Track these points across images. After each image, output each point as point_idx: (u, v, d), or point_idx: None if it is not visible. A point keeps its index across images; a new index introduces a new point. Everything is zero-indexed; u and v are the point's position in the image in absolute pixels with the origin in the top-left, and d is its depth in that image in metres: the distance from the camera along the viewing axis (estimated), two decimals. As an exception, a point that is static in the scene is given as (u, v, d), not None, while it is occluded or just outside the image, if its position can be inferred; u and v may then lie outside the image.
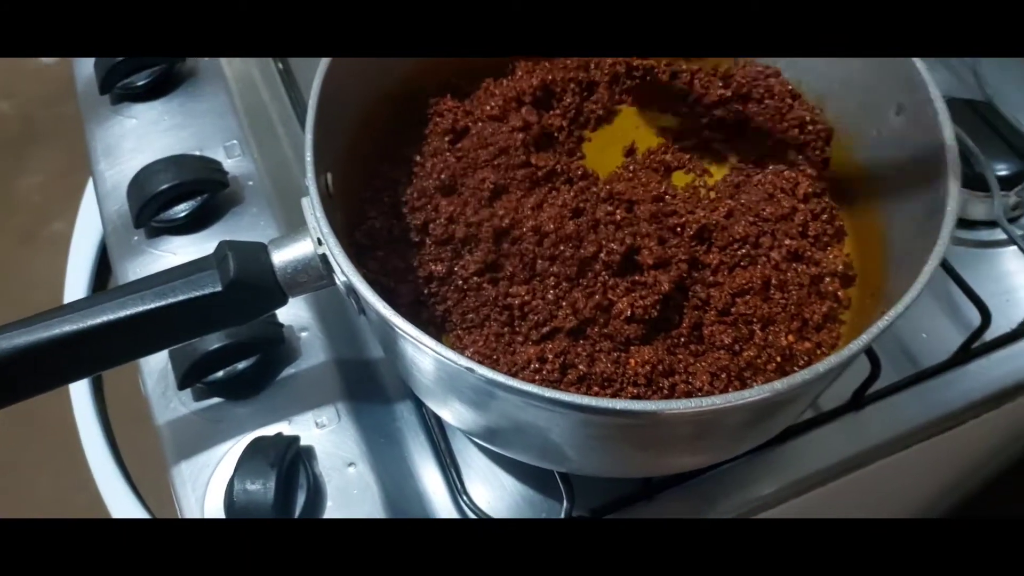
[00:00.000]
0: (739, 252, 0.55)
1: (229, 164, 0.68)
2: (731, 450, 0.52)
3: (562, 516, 0.52)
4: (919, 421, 0.60)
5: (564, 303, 0.51)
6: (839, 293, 0.54)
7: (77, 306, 0.46)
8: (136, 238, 0.64)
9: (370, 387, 0.59)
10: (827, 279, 0.54)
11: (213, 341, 0.54)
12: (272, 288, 0.48)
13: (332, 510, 0.52)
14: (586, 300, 0.51)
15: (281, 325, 0.58)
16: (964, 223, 0.68)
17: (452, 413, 0.49)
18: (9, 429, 1.35)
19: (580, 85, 0.65)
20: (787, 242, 0.55)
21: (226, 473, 0.52)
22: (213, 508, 0.52)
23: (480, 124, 0.60)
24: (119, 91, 0.72)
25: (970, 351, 0.61)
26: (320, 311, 0.61)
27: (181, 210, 0.64)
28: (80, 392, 0.79)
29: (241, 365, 0.56)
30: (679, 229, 0.55)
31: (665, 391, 0.49)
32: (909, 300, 0.42)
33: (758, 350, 0.50)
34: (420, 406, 0.58)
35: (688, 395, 0.49)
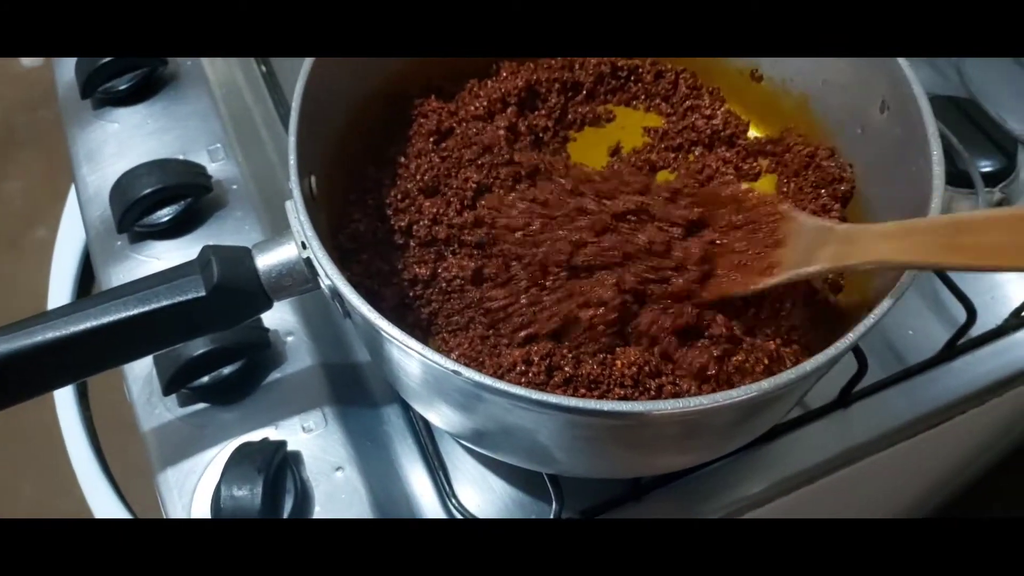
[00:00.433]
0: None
1: (213, 168, 0.67)
2: (719, 449, 0.52)
3: (551, 517, 0.52)
4: (906, 418, 0.60)
5: (536, 309, 0.51)
6: (828, 299, 0.54)
7: (59, 312, 0.46)
8: (119, 243, 0.64)
9: (357, 391, 0.58)
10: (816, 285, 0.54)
11: (198, 346, 0.54)
12: (256, 292, 0.47)
13: (320, 515, 0.52)
14: (555, 307, 0.51)
15: (267, 329, 0.58)
16: (948, 220, 0.69)
17: (439, 416, 0.49)
18: (-7, 436, 1.34)
19: (565, 85, 0.65)
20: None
21: (213, 479, 0.51)
22: (200, 514, 0.52)
23: (464, 124, 0.60)
24: (101, 95, 0.71)
25: (956, 348, 0.61)
26: (306, 315, 0.60)
27: (164, 215, 0.63)
28: (65, 398, 0.78)
29: (227, 370, 0.56)
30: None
31: (652, 392, 0.49)
32: (895, 299, 0.42)
33: (746, 354, 0.50)
34: (407, 409, 0.58)
35: (675, 396, 0.48)
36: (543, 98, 0.64)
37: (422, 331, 0.54)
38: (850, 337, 0.41)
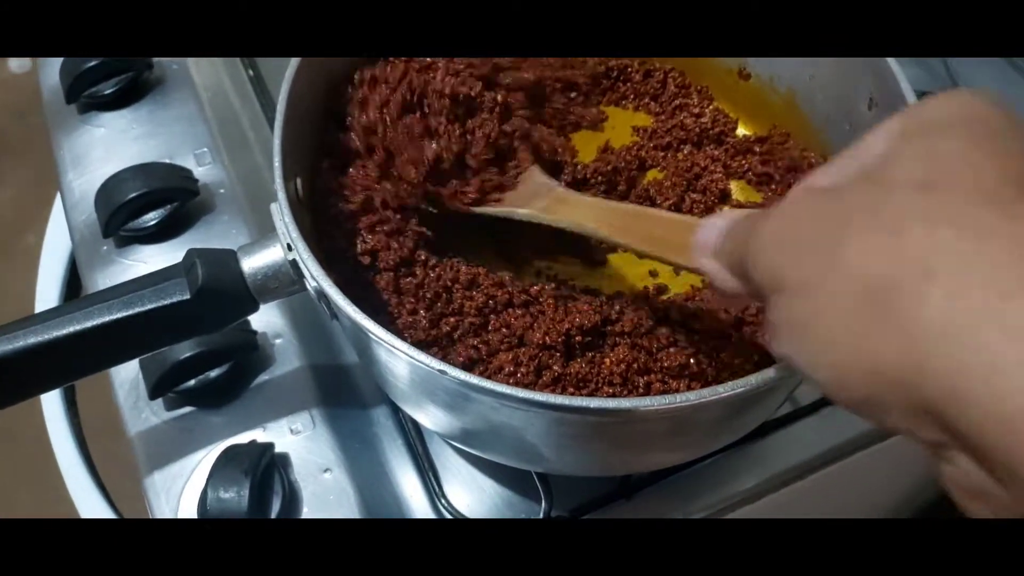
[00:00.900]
0: None
1: (199, 172, 0.67)
2: (708, 446, 0.52)
3: (540, 517, 0.52)
4: (896, 413, 0.60)
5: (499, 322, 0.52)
6: None
7: (43, 317, 0.45)
8: (105, 248, 0.64)
9: (345, 392, 0.58)
10: None
11: (184, 349, 0.53)
12: (242, 295, 0.47)
13: (308, 517, 0.52)
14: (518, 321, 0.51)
15: (254, 332, 0.58)
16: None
17: (428, 417, 0.49)
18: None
19: (567, 85, 0.65)
20: None
21: (200, 482, 0.51)
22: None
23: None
24: (86, 100, 0.71)
25: (945, 342, 0.61)
26: (293, 317, 0.60)
27: (151, 219, 0.63)
28: (52, 402, 0.78)
29: (214, 373, 0.55)
30: None
31: (641, 390, 0.49)
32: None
33: (735, 350, 0.50)
34: (396, 410, 0.57)
35: (664, 393, 0.48)
36: (548, 98, 0.64)
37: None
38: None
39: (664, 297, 0.56)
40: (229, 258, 0.47)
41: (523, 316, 0.52)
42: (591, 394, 0.49)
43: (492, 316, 0.52)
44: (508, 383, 0.48)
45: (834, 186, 0.29)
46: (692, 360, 0.49)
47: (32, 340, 0.44)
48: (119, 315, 0.45)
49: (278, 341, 0.59)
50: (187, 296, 0.46)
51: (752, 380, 0.39)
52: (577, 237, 0.55)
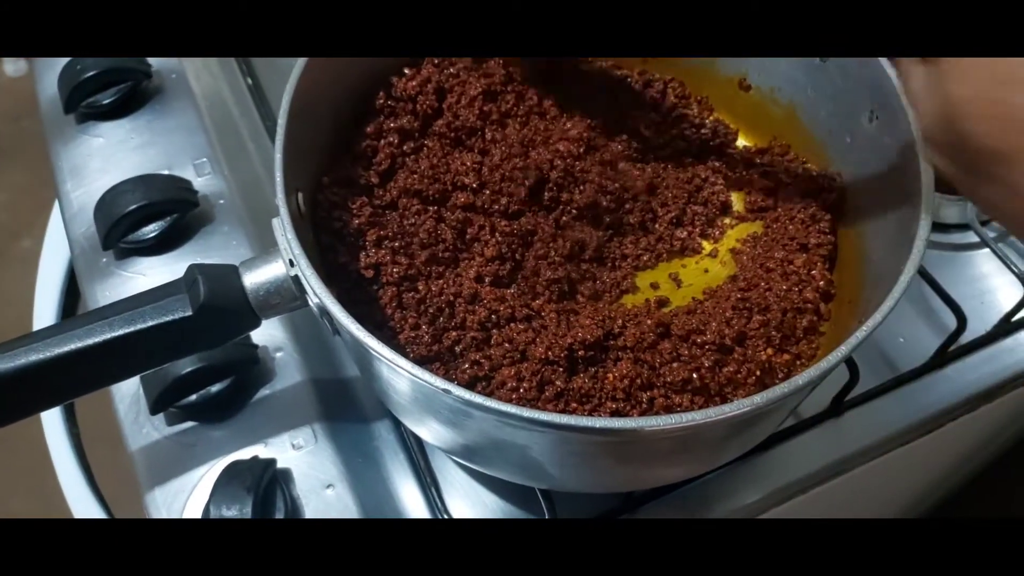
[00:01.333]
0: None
1: (199, 183, 0.67)
2: (713, 462, 0.51)
3: (544, 533, 0.51)
4: (898, 426, 0.60)
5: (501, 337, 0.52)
6: (820, 307, 0.54)
7: (43, 335, 0.45)
8: (104, 260, 0.63)
9: (347, 407, 0.58)
10: (809, 296, 0.54)
11: (185, 364, 0.53)
12: (244, 311, 0.47)
13: (311, 533, 0.51)
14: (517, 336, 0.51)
15: (255, 346, 0.57)
16: (937, 226, 0.69)
17: (430, 432, 0.48)
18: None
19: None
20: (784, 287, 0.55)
21: (202, 499, 0.51)
22: (189, 535, 0.51)
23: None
24: (84, 109, 0.70)
25: (947, 354, 0.61)
26: (295, 330, 0.60)
27: (150, 231, 0.62)
28: (51, 412, 0.78)
29: (215, 388, 0.55)
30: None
31: (644, 405, 0.49)
32: (887, 310, 0.42)
33: (737, 365, 0.50)
34: (398, 425, 0.57)
35: (667, 409, 0.48)
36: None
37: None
38: (843, 350, 0.41)
39: (666, 310, 0.56)
40: (231, 274, 0.47)
41: (525, 330, 0.51)
42: (594, 410, 0.49)
43: (494, 330, 0.52)
44: (511, 399, 0.48)
45: None
46: (695, 375, 0.49)
47: (33, 358, 0.44)
48: (120, 332, 0.45)
49: (279, 355, 0.58)
50: (189, 313, 0.45)
51: (757, 399, 0.39)
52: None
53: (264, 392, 0.57)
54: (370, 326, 0.42)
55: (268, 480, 0.51)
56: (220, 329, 0.48)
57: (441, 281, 0.53)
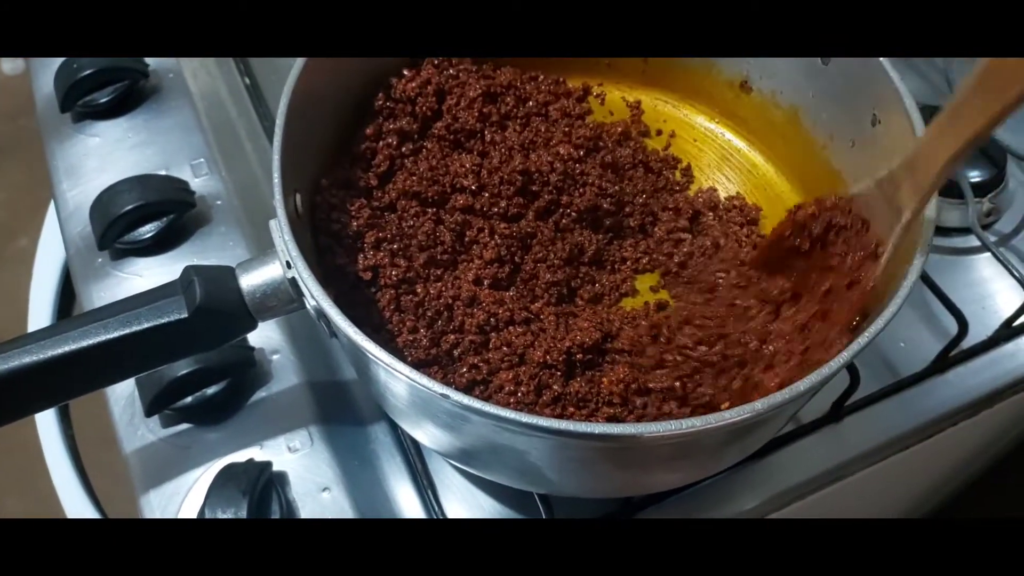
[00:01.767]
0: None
1: (196, 183, 0.66)
2: (712, 467, 0.51)
3: (542, 538, 0.51)
4: (898, 431, 0.59)
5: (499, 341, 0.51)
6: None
7: (38, 336, 0.45)
8: (100, 260, 0.63)
9: (343, 409, 0.58)
10: None
11: (181, 366, 0.53)
12: (240, 313, 0.47)
13: (307, 537, 0.51)
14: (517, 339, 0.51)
15: (252, 348, 0.57)
16: (938, 230, 0.67)
17: (427, 436, 0.48)
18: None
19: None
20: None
21: (197, 501, 0.50)
22: (184, 538, 0.51)
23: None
24: (81, 109, 0.70)
25: (948, 359, 0.61)
26: (292, 333, 0.59)
27: (147, 231, 0.62)
28: (46, 416, 0.77)
29: (211, 390, 0.54)
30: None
31: (640, 410, 0.48)
32: (889, 315, 0.41)
33: (715, 377, 0.49)
34: (395, 427, 0.57)
35: (663, 414, 0.48)
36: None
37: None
38: (844, 356, 0.41)
39: (663, 314, 0.56)
40: (227, 275, 0.47)
41: (524, 334, 0.51)
42: (591, 414, 0.48)
43: (493, 334, 0.51)
44: (508, 403, 0.48)
45: None
46: (677, 383, 0.49)
47: (27, 359, 0.44)
48: (116, 334, 0.45)
49: (275, 357, 0.58)
50: (185, 315, 0.45)
51: (758, 406, 0.39)
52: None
53: (260, 394, 0.56)
54: (367, 329, 0.41)
55: (264, 483, 0.50)
56: (216, 331, 0.47)
57: (440, 284, 0.53)
